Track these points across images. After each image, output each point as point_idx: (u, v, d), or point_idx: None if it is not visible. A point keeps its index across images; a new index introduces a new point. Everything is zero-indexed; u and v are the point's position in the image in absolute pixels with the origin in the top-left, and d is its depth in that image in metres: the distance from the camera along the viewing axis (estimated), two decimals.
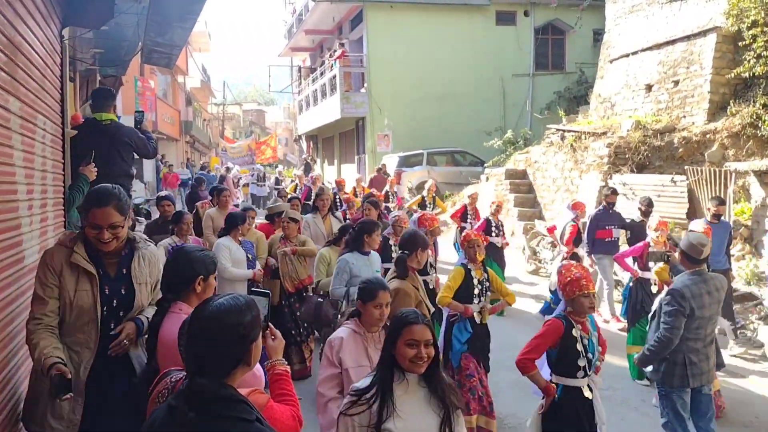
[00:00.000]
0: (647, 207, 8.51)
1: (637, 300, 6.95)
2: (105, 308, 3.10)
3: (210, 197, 9.21)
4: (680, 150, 11.84)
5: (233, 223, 6.38)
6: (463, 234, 5.54)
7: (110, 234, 3.01)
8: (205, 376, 1.88)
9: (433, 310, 5.27)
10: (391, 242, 7.08)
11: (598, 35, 20.53)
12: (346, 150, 28.40)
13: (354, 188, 14.77)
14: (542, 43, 23.89)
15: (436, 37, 22.57)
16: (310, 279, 6.79)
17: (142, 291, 3.20)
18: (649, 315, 5.05)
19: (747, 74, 11.05)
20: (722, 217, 8.04)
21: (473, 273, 5.26)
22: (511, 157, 18.19)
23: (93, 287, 3.07)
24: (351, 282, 5.13)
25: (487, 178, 17.31)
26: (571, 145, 14.30)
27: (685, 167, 11.13)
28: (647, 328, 5.20)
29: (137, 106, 21.28)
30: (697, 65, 12.20)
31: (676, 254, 5.03)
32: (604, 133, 13.53)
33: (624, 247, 8.34)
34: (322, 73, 26.65)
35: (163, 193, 9.02)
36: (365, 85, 23.49)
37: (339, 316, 5.20)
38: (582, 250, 8.90)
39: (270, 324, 2.47)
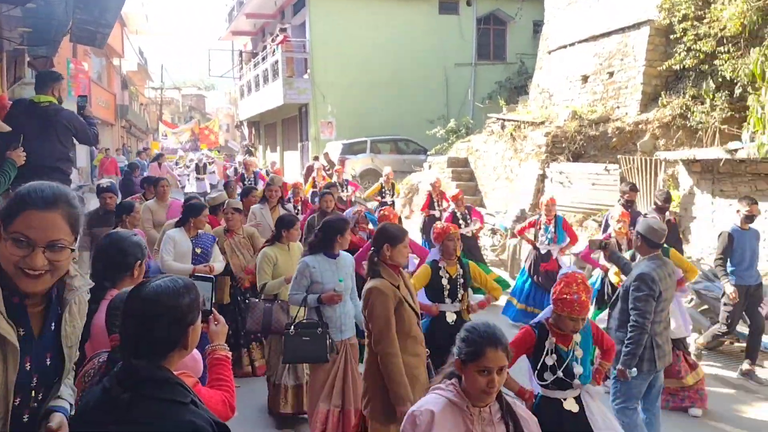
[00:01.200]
0: (664, 202, 7.42)
1: (605, 293, 7.03)
2: (19, 397, 1.90)
3: (142, 188, 8.76)
4: (614, 140, 12.22)
5: (189, 213, 5.78)
6: (439, 228, 5.16)
7: (46, 259, 1.83)
8: (141, 358, 1.85)
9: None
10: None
11: (537, 26, 20.92)
12: (289, 137, 28.11)
13: (313, 178, 13.88)
14: (484, 33, 24.18)
15: (380, 24, 22.54)
16: None
17: (71, 358, 2.08)
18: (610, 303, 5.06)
19: (677, 67, 11.47)
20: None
21: (443, 271, 4.95)
22: (453, 146, 18.42)
23: (5, 360, 1.82)
24: (312, 289, 4.54)
25: (430, 166, 17.47)
26: (511, 134, 14.58)
27: (618, 156, 11.51)
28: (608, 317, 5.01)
29: (70, 89, 20.44)
30: (631, 57, 12.59)
31: (634, 239, 4.87)
32: (543, 123, 13.85)
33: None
34: (264, 58, 26.25)
35: (105, 182, 8.44)
36: (308, 71, 23.27)
37: (292, 325, 4.55)
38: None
39: (213, 309, 2.45)
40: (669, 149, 11.08)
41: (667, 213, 7.64)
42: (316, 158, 19.21)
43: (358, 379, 4.47)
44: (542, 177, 13.04)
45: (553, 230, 8.19)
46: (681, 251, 6.98)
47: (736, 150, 8.81)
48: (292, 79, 23.24)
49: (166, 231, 5.97)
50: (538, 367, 3.53)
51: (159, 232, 6.67)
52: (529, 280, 8.36)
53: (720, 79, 10.63)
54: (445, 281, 4.92)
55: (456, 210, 9.62)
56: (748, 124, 7.81)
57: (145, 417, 1.80)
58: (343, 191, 12.49)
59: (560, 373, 3.46)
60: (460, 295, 4.94)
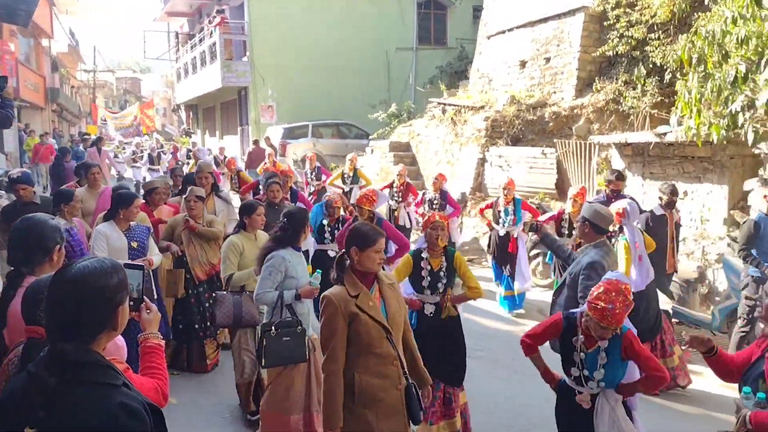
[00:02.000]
0: (671, 195, 6.88)
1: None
2: None
3: (77, 175, 8.28)
4: (551, 124, 12.50)
5: (118, 204, 5.32)
6: (426, 217, 4.88)
7: None
8: (69, 342, 1.79)
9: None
10: (326, 222, 6.70)
11: (477, 12, 21.11)
12: (228, 121, 27.60)
13: (265, 164, 12.93)
14: (425, 18, 24.26)
15: (321, 7, 22.33)
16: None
17: None
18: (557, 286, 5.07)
19: (611, 53, 11.80)
20: None
21: (425, 261, 4.70)
22: (395, 130, 18.46)
23: None
24: (285, 284, 4.28)
25: (372, 151, 17.48)
26: (452, 119, 14.72)
27: (555, 140, 11.79)
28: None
29: None
30: (566, 43, 12.87)
31: (580, 225, 4.74)
32: (482, 108, 14.03)
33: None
34: (201, 40, 25.62)
35: (16, 172, 7.61)
36: (247, 53, 22.85)
37: (272, 325, 4.22)
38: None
39: (145, 298, 2.41)
40: (603, 133, 11.41)
41: (674, 211, 7.04)
42: (256, 142, 18.94)
43: (321, 383, 4.19)
44: (482, 161, 13.23)
45: (512, 212, 8.30)
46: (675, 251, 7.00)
47: (664, 134, 9.15)
48: (231, 62, 22.80)
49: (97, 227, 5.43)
50: (565, 358, 3.56)
51: (87, 222, 6.31)
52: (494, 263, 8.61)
53: (651, 65, 11.00)
54: (425, 272, 4.66)
55: (431, 194, 9.33)
56: (676, 108, 8.07)
57: (75, 401, 1.75)
58: (308, 178, 12.09)
59: (580, 372, 3.46)
60: (441, 288, 4.66)
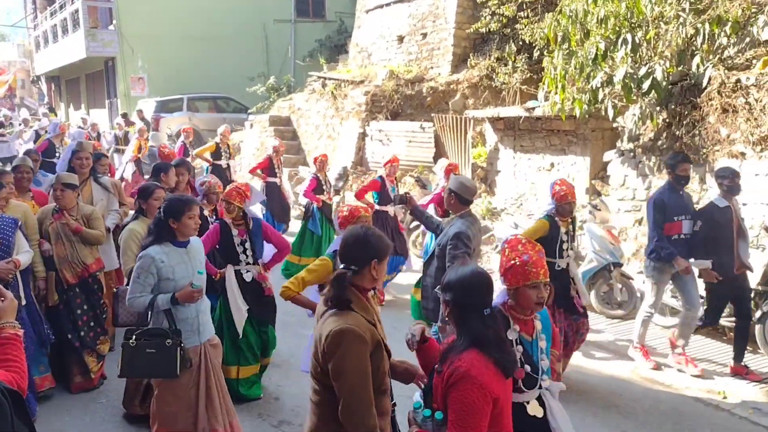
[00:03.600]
0: (733, 178, 5.57)
1: None
2: None
3: None
4: (428, 99, 12.76)
5: None
6: (346, 212, 4.30)
7: None
8: None
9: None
10: (206, 213, 5.66)
11: None
12: (95, 93, 25.90)
13: (217, 144, 11.34)
14: None
15: None
16: (100, 263, 5.37)
17: None
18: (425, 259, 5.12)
19: (484, 30, 12.17)
20: None
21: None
22: (275, 104, 18.12)
23: None
24: (161, 287, 3.72)
25: (252, 125, 17.06)
26: (332, 93, 14.65)
27: (433, 115, 12.05)
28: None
29: None
30: (442, 19, 13.13)
31: (446, 197, 4.79)
32: (362, 82, 14.06)
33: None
34: (62, 6, 23.76)
35: None
36: (114, 22, 21.47)
37: (133, 334, 3.73)
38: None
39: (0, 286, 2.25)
40: (477, 108, 11.80)
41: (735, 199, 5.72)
42: (125, 115, 17.93)
43: (225, 393, 3.95)
44: (363, 135, 13.29)
45: (398, 190, 8.09)
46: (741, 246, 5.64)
47: (533, 108, 9.62)
48: (96, 30, 21.39)
49: None
50: None
51: None
52: None
53: (521, 43, 11.47)
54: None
55: (319, 174, 8.62)
56: (543, 84, 8.50)
57: None
58: (223, 159, 11.10)
59: (528, 369, 2.75)
60: None
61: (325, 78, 15.45)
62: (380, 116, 13.14)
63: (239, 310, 4.97)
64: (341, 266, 2.72)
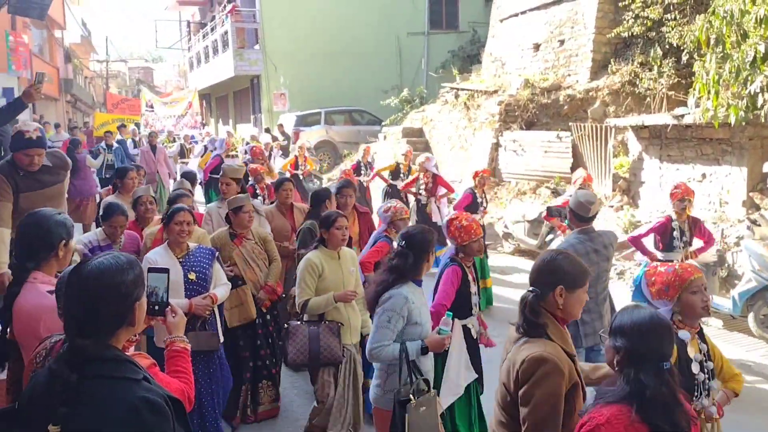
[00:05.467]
0: None
1: None
2: None
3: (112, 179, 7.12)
4: (565, 107, 12.38)
5: (170, 220, 4.10)
6: (461, 222, 4.15)
7: None
8: (87, 338, 1.80)
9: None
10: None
11: None
12: (241, 109, 27.62)
13: (359, 162, 11.15)
14: (436, 2, 24.01)
15: None
16: (281, 286, 5.09)
17: None
18: None
19: (626, 34, 11.63)
20: None
21: (469, 276, 4.15)
22: (407, 116, 18.38)
23: None
24: (407, 333, 3.28)
25: (385, 137, 17.42)
26: (465, 104, 14.62)
27: (570, 124, 11.67)
28: None
29: (9, 63, 19.61)
30: (581, 25, 12.70)
31: (569, 213, 4.74)
32: (495, 92, 13.92)
33: None
34: (213, 29, 25.61)
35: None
36: (259, 41, 22.81)
37: (411, 394, 3.19)
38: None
39: (171, 302, 2.42)
40: (618, 116, 11.28)
41: None
42: (268, 130, 18.90)
43: None
44: (496, 145, 13.14)
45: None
46: None
47: (682, 116, 9.03)
48: (243, 50, 22.78)
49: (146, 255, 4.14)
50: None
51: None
52: None
53: (667, 46, 10.84)
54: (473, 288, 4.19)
55: (476, 190, 7.93)
56: (694, 90, 7.97)
57: (97, 397, 1.76)
58: (364, 174, 10.70)
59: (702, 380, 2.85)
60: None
61: (458, 89, 15.46)
62: (514, 126, 12.92)
63: (459, 378, 4.01)
64: (529, 289, 2.52)
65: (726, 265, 7.92)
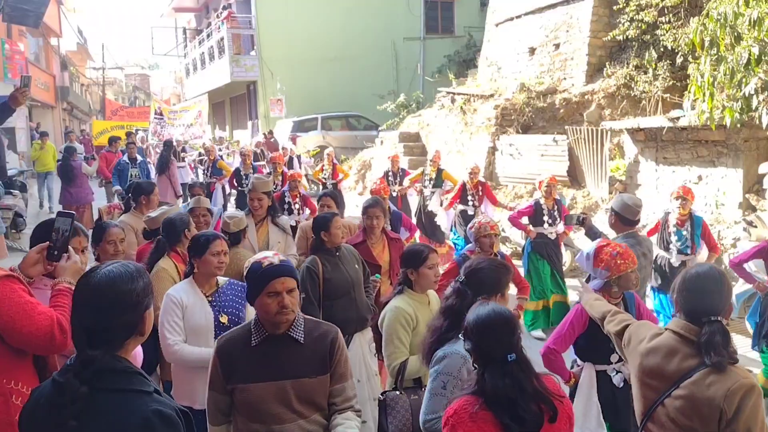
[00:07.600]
0: None
1: None
2: None
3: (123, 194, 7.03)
4: (561, 111, 12.40)
5: (196, 251, 3.38)
6: (615, 249, 3.43)
7: None
8: (97, 349, 1.76)
9: None
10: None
11: None
12: (238, 115, 27.65)
13: (386, 172, 10.23)
14: (432, 7, 24.11)
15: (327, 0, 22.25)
16: None
17: None
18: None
19: (621, 37, 11.66)
20: None
21: None
22: (404, 121, 18.40)
23: None
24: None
25: (382, 142, 17.44)
26: (461, 108, 14.64)
27: (566, 127, 11.69)
28: None
29: (5, 70, 19.62)
30: (576, 29, 12.74)
31: (607, 217, 4.66)
32: (492, 96, 13.95)
33: None
34: (209, 36, 25.64)
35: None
36: (255, 48, 22.85)
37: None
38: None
39: (70, 247, 2.58)
40: (614, 119, 11.30)
41: None
42: (271, 133, 18.92)
43: None
44: (492, 149, 13.16)
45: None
46: None
47: (677, 118, 9.05)
48: (239, 57, 22.82)
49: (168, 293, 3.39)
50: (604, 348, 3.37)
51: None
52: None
53: (662, 49, 10.86)
54: None
55: (543, 202, 7.16)
56: (689, 92, 7.99)
57: (108, 410, 1.73)
58: (395, 184, 9.90)
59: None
60: None
61: (454, 93, 15.48)
62: (511, 130, 12.94)
63: None
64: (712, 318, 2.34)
65: (723, 267, 7.93)
